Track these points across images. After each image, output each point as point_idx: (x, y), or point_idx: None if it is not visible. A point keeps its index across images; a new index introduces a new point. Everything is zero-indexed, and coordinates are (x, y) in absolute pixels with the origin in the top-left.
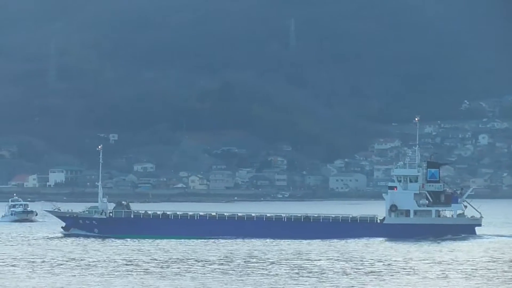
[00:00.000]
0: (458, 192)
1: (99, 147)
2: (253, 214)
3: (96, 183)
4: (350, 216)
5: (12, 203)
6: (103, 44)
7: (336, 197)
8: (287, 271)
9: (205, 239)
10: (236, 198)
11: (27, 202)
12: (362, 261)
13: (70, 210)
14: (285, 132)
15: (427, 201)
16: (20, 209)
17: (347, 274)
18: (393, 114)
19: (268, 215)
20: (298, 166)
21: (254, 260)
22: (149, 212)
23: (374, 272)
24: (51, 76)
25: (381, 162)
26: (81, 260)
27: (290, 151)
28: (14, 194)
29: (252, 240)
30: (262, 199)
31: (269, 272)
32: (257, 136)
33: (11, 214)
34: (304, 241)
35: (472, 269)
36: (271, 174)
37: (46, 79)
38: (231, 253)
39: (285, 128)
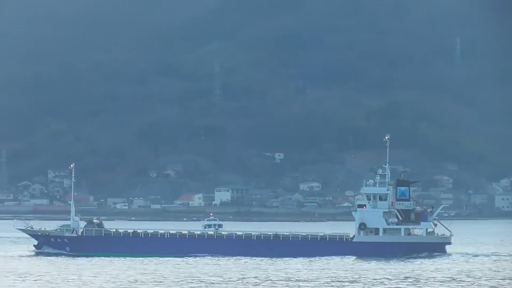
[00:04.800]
0: (428, 210)
1: (71, 165)
2: (223, 233)
3: (69, 201)
4: (320, 234)
5: (207, 222)
6: (268, 63)
7: (502, 216)
8: None
9: (175, 257)
10: None
11: (221, 222)
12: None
13: (42, 229)
14: (451, 151)
15: (396, 219)
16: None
17: None
18: None
19: (238, 233)
20: (464, 185)
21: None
22: (120, 231)
23: None
24: (217, 95)
25: None
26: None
27: (455, 170)
28: (211, 214)
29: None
30: None
31: None
32: (423, 155)
33: None
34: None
35: None
36: (437, 193)
37: (211, 99)
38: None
39: (451, 147)
